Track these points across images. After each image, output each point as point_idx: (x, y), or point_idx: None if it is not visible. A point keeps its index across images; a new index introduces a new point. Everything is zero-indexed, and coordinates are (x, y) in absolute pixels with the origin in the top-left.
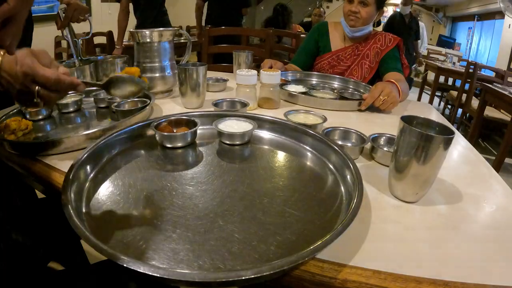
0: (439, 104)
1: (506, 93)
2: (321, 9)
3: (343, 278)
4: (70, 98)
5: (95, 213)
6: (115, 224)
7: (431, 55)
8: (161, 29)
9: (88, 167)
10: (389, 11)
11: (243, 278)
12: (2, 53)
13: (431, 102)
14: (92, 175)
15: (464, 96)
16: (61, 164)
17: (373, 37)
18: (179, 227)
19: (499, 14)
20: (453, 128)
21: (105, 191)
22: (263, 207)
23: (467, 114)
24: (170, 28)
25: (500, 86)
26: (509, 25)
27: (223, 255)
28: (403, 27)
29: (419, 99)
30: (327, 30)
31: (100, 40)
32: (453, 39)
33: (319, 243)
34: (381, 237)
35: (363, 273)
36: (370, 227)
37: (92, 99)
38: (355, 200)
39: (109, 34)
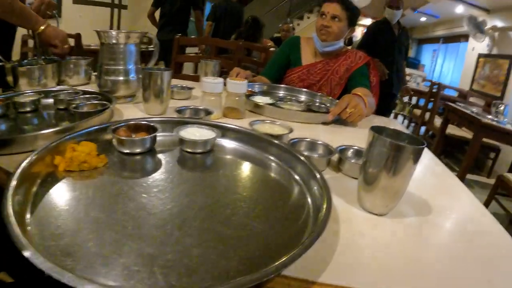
0: (403, 122)
1: (468, 111)
2: (290, 25)
3: None
4: (28, 97)
5: (40, 220)
6: (61, 233)
7: None
8: (128, 30)
9: (36, 170)
10: (357, 31)
11: None
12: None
13: (395, 119)
14: (40, 178)
15: (427, 114)
16: (9, 165)
17: (344, 54)
18: (132, 238)
19: (464, 37)
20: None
21: (53, 197)
22: (224, 219)
23: (430, 132)
24: (138, 31)
25: (462, 105)
26: (473, 48)
27: (179, 271)
28: (391, 41)
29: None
30: (299, 44)
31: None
32: (417, 60)
33: (285, 258)
34: (352, 251)
35: None
36: (339, 241)
37: (52, 100)
38: (323, 212)
39: (77, 37)
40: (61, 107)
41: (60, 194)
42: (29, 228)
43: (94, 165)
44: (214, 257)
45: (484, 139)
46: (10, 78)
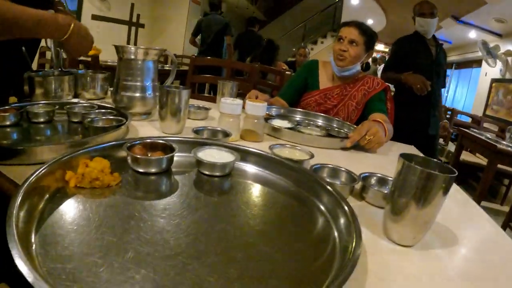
0: None
1: (482, 137)
2: (306, 49)
3: None
4: (42, 108)
5: (46, 239)
6: (67, 255)
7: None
8: (146, 47)
9: (45, 184)
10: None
11: None
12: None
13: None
14: (49, 193)
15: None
16: (17, 176)
17: (362, 79)
18: (145, 267)
19: (477, 63)
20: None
21: (61, 214)
22: (244, 249)
23: (443, 159)
24: (157, 48)
25: (476, 131)
26: (486, 73)
27: None
28: (427, 63)
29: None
30: (317, 68)
31: (85, 57)
32: None
33: None
34: (381, 286)
35: None
36: (367, 274)
37: (66, 111)
38: (353, 245)
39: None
40: (75, 120)
41: (69, 212)
42: (33, 247)
43: (107, 183)
44: None
45: (498, 165)
46: (26, 88)
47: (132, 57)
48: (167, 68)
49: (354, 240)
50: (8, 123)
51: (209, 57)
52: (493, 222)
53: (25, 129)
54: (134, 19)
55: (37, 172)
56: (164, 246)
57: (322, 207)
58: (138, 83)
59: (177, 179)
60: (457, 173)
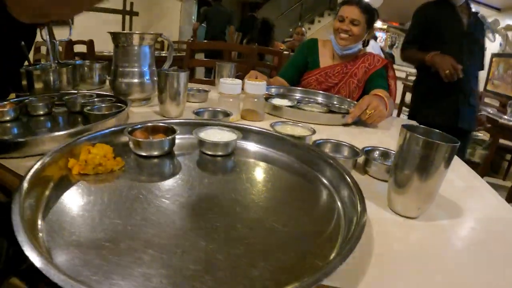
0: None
1: (484, 113)
2: (303, 28)
3: None
4: (41, 100)
5: (53, 226)
6: (75, 240)
7: (409, 77)
8: (142, 32)
9: (49, 173)
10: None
11: None
12: None
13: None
14: (53, 182)
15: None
16: (20, 168)
17: (362, 56)
18: (152, 247)
19: None
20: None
21: (67, 202)
22: (251, 225)
23: None
24: (151, 32)
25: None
26: (485, 48)
27: (205, 283)
28: (457, 35)
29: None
30: (317, 47)
31: (80, 48)
32: None
33: (325, 267)
34: (388, 258)
35: None
36: (374, 246)
37: (64, 102)
38: (359, 216)
39: (90, 43)
40: (75, 110)
41: (74, 199)
42: (40, 234)
43: (110, 168)
44: (244, 267)
45: (500, 140)
46: (24, 83)
47: (128, 43)
48: (163, 54)
49: (359, 212)
50: (7, 118)
51: (205, 41)
52: (497, 194)
53: (25, 123)
54: (128, 8)
55: (40, 162)
56: (170, 226)
57: (325, 181)
58: (136, 69)
59: (179, 160)
60: (459, 143)
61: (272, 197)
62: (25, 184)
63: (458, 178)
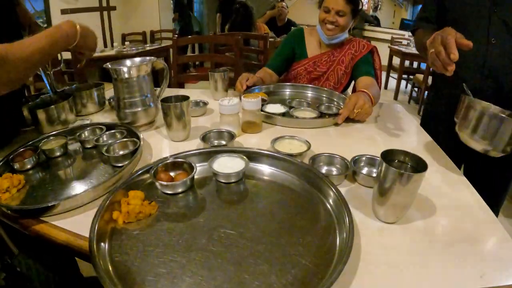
0: (406, 87)
1: None
2: (283, 2)
3: None
4: (55, 141)
5: (121, 275)
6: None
7: (395, 40)
8: (138, 62)
9: (103, 230)
10: None
11: None
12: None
13: (398, 86)
14: (107, 237)
15: (430, 78)
16: (64, 222)
17: (348, 43)
18: (206, 267)
19: None
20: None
21: (125, 251)
22: (270, 249)
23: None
24: (148, 58)
25: None
26: None
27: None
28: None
29: (386, 84)
30: (303, 37)
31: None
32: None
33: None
34: (373, 263)
35: None
36: (361, 253)
37: (77, 140)
38: (349, 238)
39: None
40: (88, 146)
41: (130, 247)
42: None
43: (149, 213)
44: (272, 281)
45: None
46: (27, 115)
47: (126, 76)
48: (148, 48)
49: (349, 234)
50: (29, 166)
51: (190, 36)
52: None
53: (47, 169)
54: (104, 3)
55: (96, 222)
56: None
57: (324, 201)
58: (138, 99)
59: (201, 193)
60: (427, 170)
61: (282, 217)
62: (94, 244)
63: (437, 171)
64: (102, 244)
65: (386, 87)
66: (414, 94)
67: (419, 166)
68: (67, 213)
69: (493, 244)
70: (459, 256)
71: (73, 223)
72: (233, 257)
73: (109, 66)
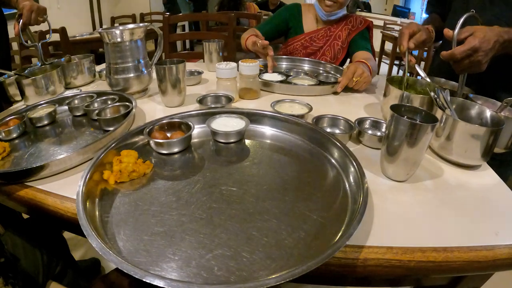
0: (398, 72)
1: None
2: None
3: (363, 257)
4: (43, 110)
5: (114, 236)
6: (135, 238)
7: (387, 26)
8: (131, 26)
9: (92, 190)
10: None
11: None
12: None
13: (390, 71)
14: (98, 198)
15: (422, 63)
16: (51, 186)
17: (345, 18)
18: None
19: None
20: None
21: (117, 211)
22: (279, 205)
23: None
24: (141, 24)
25: None
26: None
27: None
28: None
29: (378, 69)
30: (300, 12)
31: (53, 37)
32: (407, 8)
33: (342, 234)
34: (386, 217)
35: (379, 250)
36: (374, 209)
37: (66, 107)
38: (362, 191)
39: (62, 31)
40: (79, 114)
41: (122, 207)
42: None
43: (143, 172)
44: (282, 237)
45: None
46: (11, 93)
47: (119, 40)
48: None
49: (362, 188)
50: (15, 135)
51: (181, 14)
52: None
53: (34, 137)
54: None
55: (83, 183)
56: (207, 214)
57: (330, 158)
58: (130, 64)
59: (199, 153)
60: (438, 122)
61: (287, 176)
62: (81, 205)
63: None
64: (91, 204)
65: (378, 72)
66: None
67: (428, 121)
68: (54, 177)
69: (506, 204)
70: (471, 214)
71: (61, 187)
72: (238, 214)
73: (101, 30)
